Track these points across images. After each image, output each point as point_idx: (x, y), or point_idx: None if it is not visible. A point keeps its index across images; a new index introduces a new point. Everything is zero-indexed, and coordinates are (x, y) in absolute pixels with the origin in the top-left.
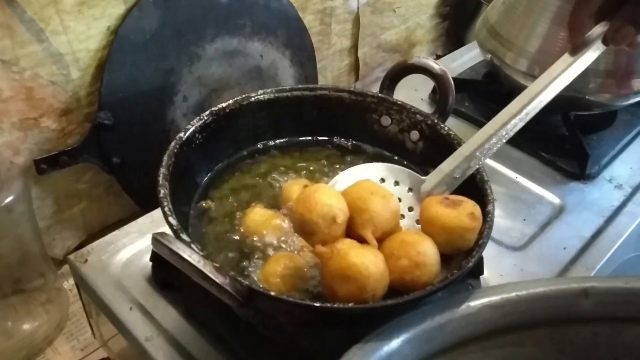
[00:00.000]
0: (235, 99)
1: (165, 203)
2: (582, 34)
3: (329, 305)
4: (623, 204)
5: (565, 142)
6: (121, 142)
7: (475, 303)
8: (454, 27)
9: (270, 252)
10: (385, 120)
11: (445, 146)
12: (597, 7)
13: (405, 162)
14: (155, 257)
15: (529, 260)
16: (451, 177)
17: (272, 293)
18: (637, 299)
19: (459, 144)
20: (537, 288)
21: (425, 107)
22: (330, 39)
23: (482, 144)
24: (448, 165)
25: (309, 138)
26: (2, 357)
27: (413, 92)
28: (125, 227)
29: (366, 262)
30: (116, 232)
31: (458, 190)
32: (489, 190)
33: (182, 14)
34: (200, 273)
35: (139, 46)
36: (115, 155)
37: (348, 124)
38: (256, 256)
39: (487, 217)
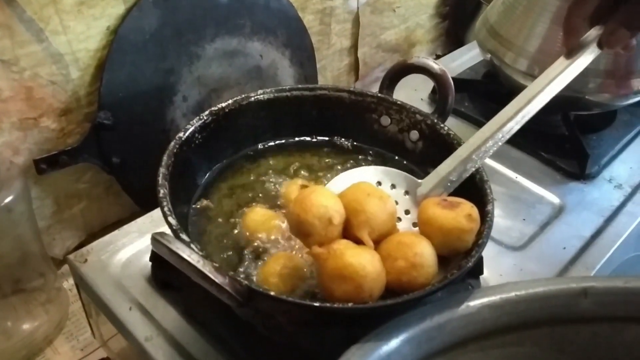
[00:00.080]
0: (235, 98)
1: (165, 203)
2: (577, 37)
3: (328, 305)
4: (623, 204)
5: (565, 142)
6: (121, 142)
7: (475, 303)
8: (454, 27)
9: (270, 251)
10: (385, 120)
11: (445, 146)
12: (591, 11)
13: (405, 162)
14: (154, 257)
15: (528, 260)
16: (447, 180)
17: (272, 293)
18: (637, 298)
19: (459, 144)
20: (537, 288)
21: (425, 107)
22: (330, 38)
23: (479, 146)
24: (444, 168)
25: (309, 138)
26: (2, 357)
27: (413, 92)
28: (125, 227)
29: (363, 261)
30: (116, 232)
31: (458, 190)
32: (488, 190)
33: (182, 14)
34: (199, 273)
35: (139, 46)
36: (115, 155)
37: (348, 124)
38: (256, 256)
39: (486, 217)
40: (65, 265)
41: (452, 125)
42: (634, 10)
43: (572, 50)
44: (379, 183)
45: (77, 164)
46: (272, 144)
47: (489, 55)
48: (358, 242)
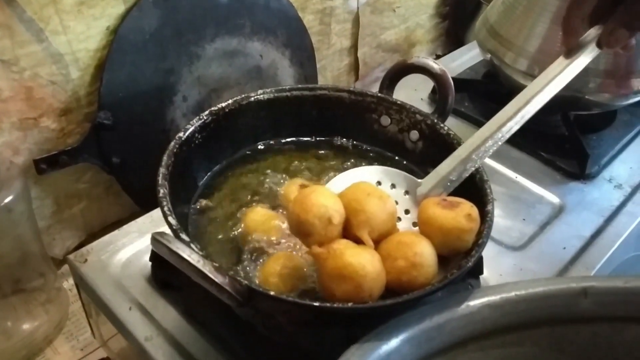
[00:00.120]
0: (235, 98)
1: (165, 203)
2: (576, 37)
3: (328, 304)
4: (623, 204)
5: (565, 142)
6: (121, 142)
7: (475, 303)
8: (454, 27)
9: (270, 251)
10: (385, 120)
11: (445, 146)
12: (590, 10)
13: (405, 162)
14: (154, 257)
15: (528, 259)
16: (447, 180)
17: (272, 293)
18: (637, 298)
19: (459, 144)
20: (537, 288)
21: (425, 107)
22: (330, 38)
23: (478, 146)
24: (444, 167)
25: (309, 138)
26: (1, 357)
27: (413, 92)
28: (125, 227)
29: (362, 261)
30: (116, 232)
31: (457, 190)
32: (488, 190)
33: (182, 14)
34: (199, 273)
35: (139, 46)
36: (115, 155)
37: (348, 124)
38: (256, 256)
39: (486, 216)
40: (65, 265)
41: (452, 125)
42: (633, 9)
43: (571, 50)
44: (379, 183)
45: (77, 164)
46: (272, 144)
47: (489, 55)
48: (358, 241)
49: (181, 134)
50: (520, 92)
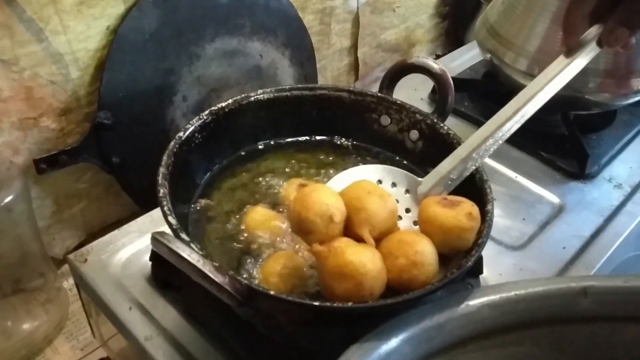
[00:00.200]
0: (235, 98)
1: (165, 202)
2: (576, 36)
3: (328, 304)
4: (622, 204)
5: (565, 142)
6: (121, 142)
7: (475, 302)
8: (454, 26)
9: (270, 251)
10: (385, 120)
11: (445, 146)
12: (590, 9)
13: (405, 162)
14: (154, 257)
15: (528, 259)
16: (448, 179)
17: (272, 292)
18: (637, 298)
19: (459, 144)
20: (537, 287)
21: (425, 107)
22: (329, 38)
23: (479, 145)
24: (445, 167)
25: (309, 138)
26: (1, 356)
27: (412, 92)
28: (125, 226)
29: (363, 259)
30: (116, 231)
31: (457, 190)
32: (488, 190)
33: (182, 13)
34: (199, 272)
35: (139, 46)
36: (114, 155)
37: (347, 124)
38: (256, 255)
39: (486, 216)
40: (65, 265)
41: (452, 125)
42: (633, 8)
43: (571, 49)
44: (380, 181)
45: (77, 164)
46: (271, 143)
47: (488, 55)
48: (359, 240)
49: (181, 134)
50: (520, 91)
